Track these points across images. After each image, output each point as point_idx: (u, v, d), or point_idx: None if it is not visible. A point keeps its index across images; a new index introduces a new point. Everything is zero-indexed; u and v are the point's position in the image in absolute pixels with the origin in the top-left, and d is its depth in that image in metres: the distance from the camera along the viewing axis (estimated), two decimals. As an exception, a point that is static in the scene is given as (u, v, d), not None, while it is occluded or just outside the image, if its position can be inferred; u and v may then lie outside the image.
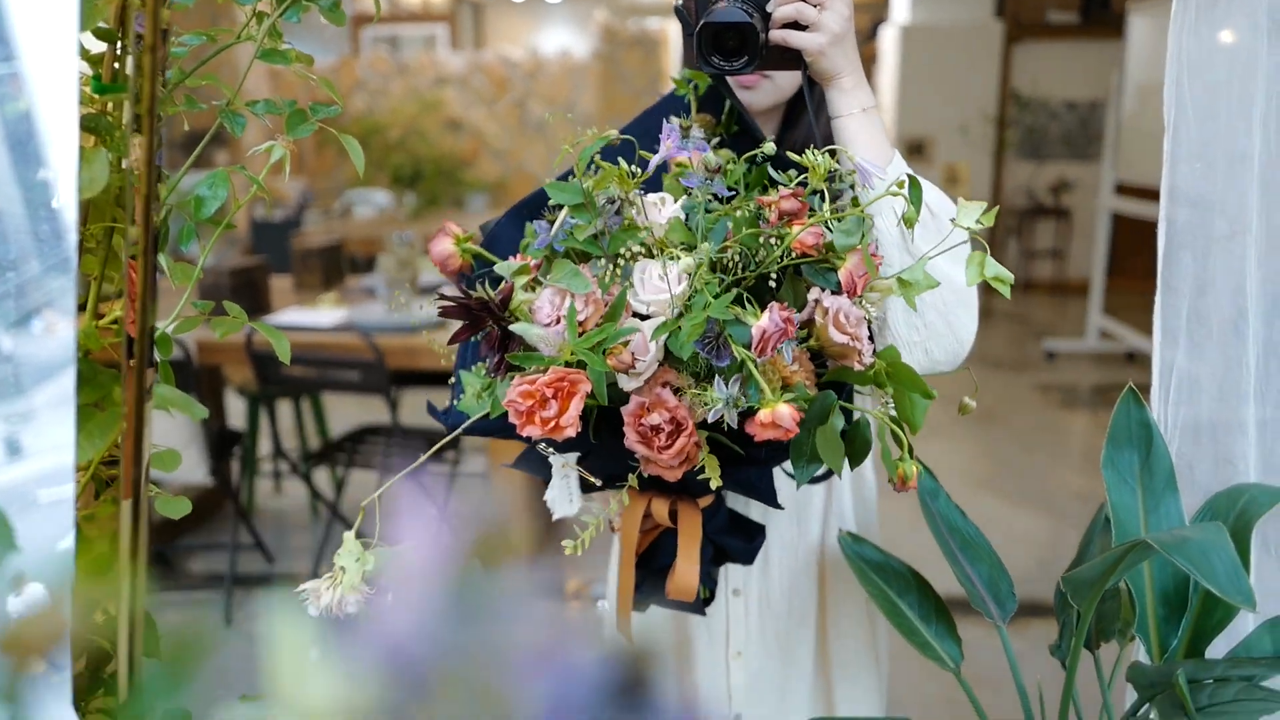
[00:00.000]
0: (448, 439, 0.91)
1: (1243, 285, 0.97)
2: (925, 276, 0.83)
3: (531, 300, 0.83)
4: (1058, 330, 6.29)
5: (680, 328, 0.76)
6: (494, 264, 0.87)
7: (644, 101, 1.04)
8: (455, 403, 0.92)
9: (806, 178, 0.83)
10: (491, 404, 0.85)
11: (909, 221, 0.83)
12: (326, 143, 7.72)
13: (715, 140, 1.00)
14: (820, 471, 1.09)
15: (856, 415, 0.86)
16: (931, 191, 0.96)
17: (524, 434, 0.76)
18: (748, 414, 0.76)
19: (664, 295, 0.79)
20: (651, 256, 0.84)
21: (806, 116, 1.03)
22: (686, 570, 0.95)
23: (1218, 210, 0.96)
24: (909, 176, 0.83)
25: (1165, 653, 0.97)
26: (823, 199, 0.83)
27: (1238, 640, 0.95)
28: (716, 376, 0.77)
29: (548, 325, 0.79)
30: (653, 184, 0.89)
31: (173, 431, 2.54)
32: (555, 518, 0.96)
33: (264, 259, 3.20)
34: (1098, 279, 5.57)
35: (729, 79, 1.00)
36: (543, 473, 1.00)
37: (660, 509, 0.98)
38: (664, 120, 0.91)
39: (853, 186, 0.86)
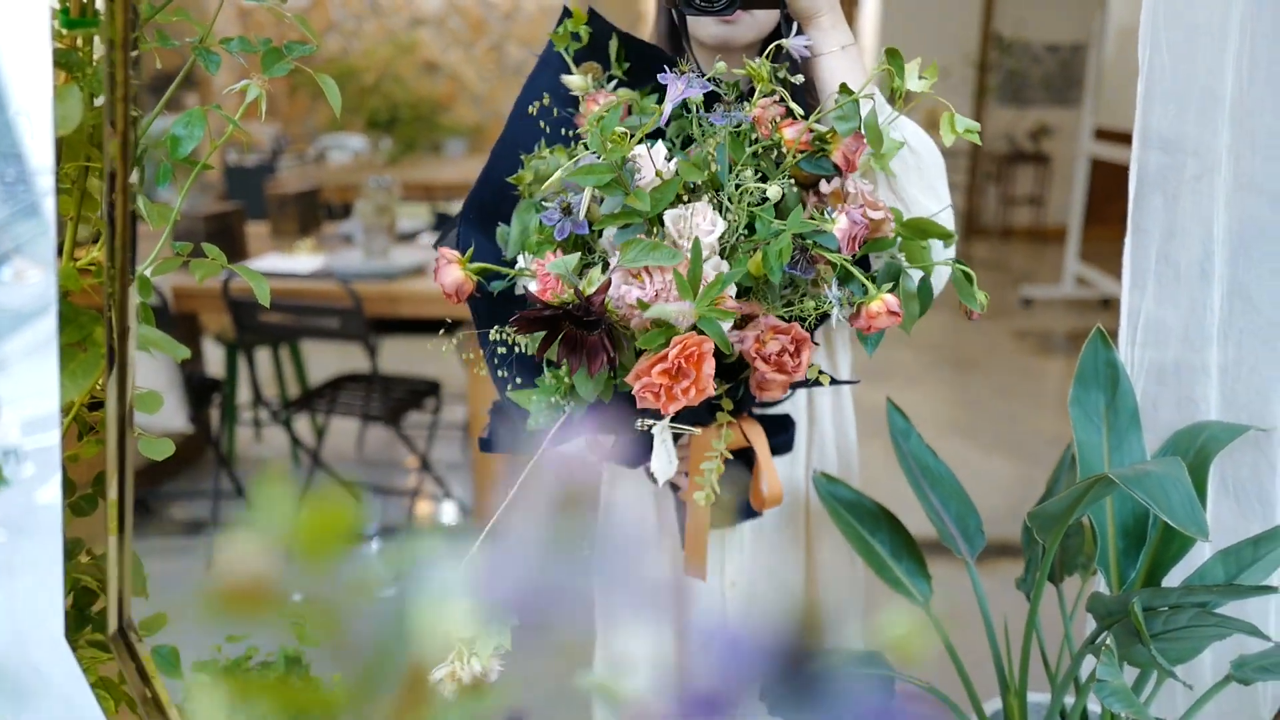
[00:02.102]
0: (537, 455, 0.90)
1: (1210, 228, 0.99)
2: (894, 144, 0.89)
3: (585, 290, 0.83)
4: (1035, 277, 6.34)
5: (766, 255, 0.79)
6: (504, 273, 0.88)
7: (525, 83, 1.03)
8: (518, 424, 0.92)
9: (756, 87, 0.88)
10: (576, 405, 0.87)
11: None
12: (300, 86, 7.56)
13: (612, 84, 1.00)
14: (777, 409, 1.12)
15: (908, 276, 0.91)
16: (910, 127, 0.99)
17: (667, 411, 0.79)
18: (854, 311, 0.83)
19: (713, 235, 0.81)
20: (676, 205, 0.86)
21: (784, 53, 1.05)
22: (775, 479, 1.00)
23: (1189, 152, 0.97)
24: (891, 50, 0.87)
25: (1125, 584, 1.01)
26: (792, 99, 0.88)
27: (1194, 571, 0.99)
28: (821, 283, 0.82)
29: (653, 299, 0.81)
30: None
31: (152, 378, 2.53)
32: (660, 483, 0.97)
33: (240, 205, 3.16)
34: (1075, 225, 5.60)
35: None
36: (646, 453, 1.00)
37: (734, 435, 1.01)
38: (540, 92, 0.94)
39: (798, 71, 0.91)
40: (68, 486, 0.84)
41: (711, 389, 0.79)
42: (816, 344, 0.98)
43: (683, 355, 0.78)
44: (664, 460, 0.99)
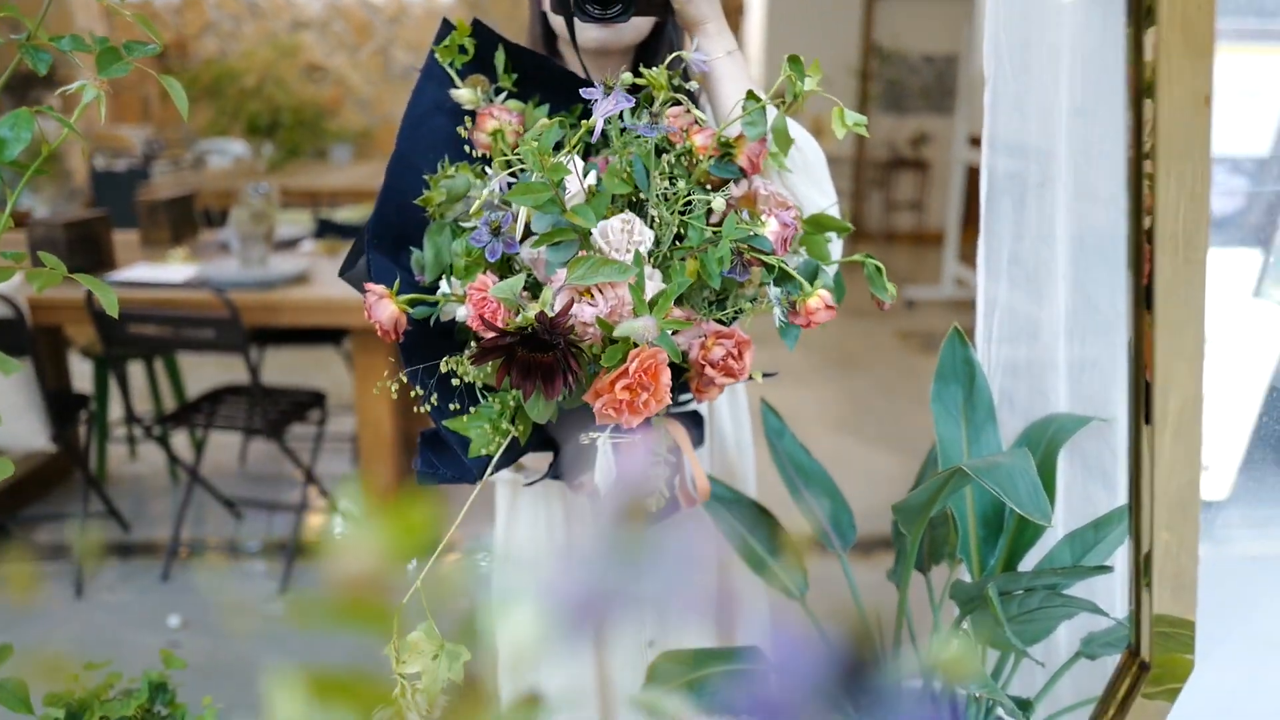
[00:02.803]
0: (482, 483, 0.89)
1: (1054, 230, 1.04)
2: (786, 139, 0.92)
3: (532, 309, 0.81)
4: (917, 278, 6.57)
5: (706, 261, 0.81)
6: (426, 301, 0.87)
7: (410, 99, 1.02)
8: (457, 451, 0.90)
9: (652, 93, 0.91)
10: (523, 428, 0.86)
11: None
12: (175, 88, 7.22)
13: (502, 96, 0.99)
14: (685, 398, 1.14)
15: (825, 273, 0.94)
16: (795, 128, 1.03)
17: (631, 425, 0.79)
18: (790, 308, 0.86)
19: (644, 245, 0.82)
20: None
21: (658, 56, 1.08)
22: (701, 472, 1.02)
23: (1032, 158, 1.03)
24: (792, 57, 0.93)
25: (985, 571, 1.06)
26: (694, 105, 0.92)
27: (1045, 555, 1.04)
28: (770, 285, 0.85)
29: (607, 315, 0.80)
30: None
31: (7, 396, 2.38)
32: (604, 491, 0.96)
33: (105, 212, 3.01)
34: (953, 229, 5.84)
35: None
36: (571, 465, 0.98)
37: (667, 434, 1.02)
38: (426, 106, 0.94)
39: (691, 88, 0.94)
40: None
41: (668, 399, 0.80)
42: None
43: (642, 369, 0.78)
44: (606, 469, 0.99)
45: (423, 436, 0.95)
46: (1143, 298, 0.59)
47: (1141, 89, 0.54)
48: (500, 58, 0.99)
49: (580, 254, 0.82)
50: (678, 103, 0.91)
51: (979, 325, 1.14)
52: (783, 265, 0.85)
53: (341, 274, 0.99)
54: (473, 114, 0.97)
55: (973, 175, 5.95)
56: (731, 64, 1.01)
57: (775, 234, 0.85)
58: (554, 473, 1.01)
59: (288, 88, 7.21)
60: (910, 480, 1.33)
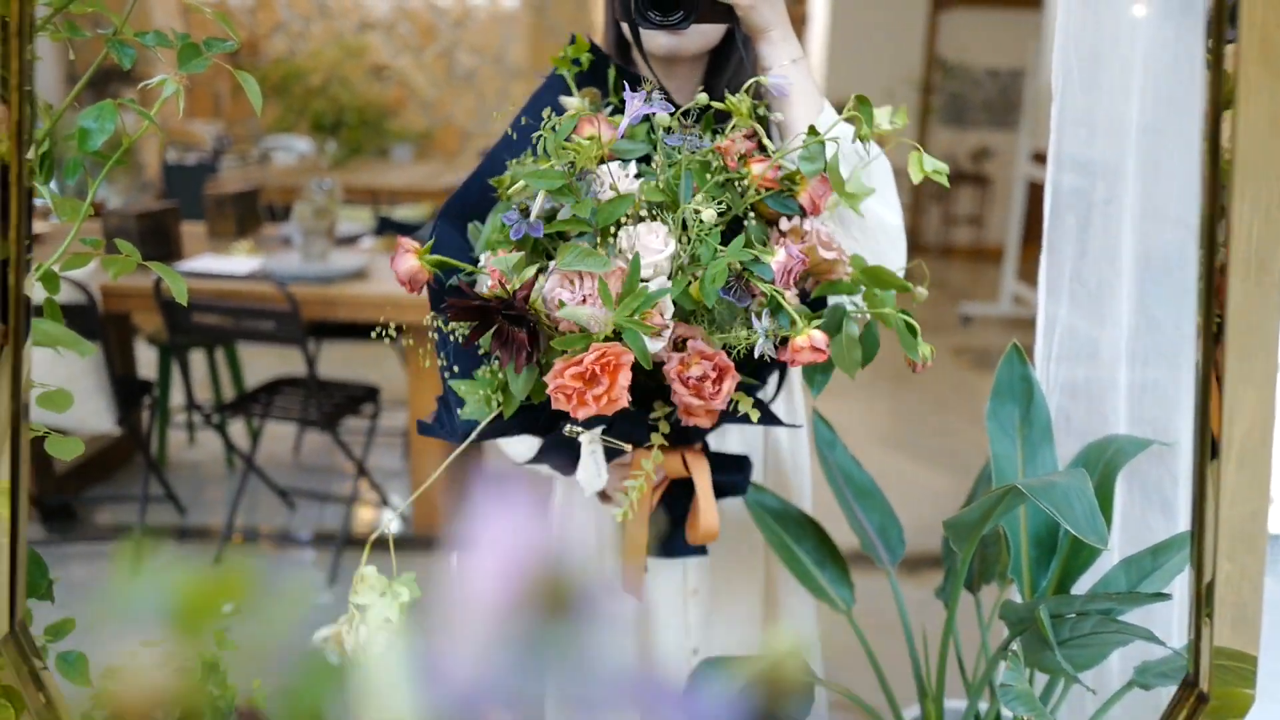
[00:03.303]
0: (463, 446, 0.92)
1: (1118, 249, 1.02)
2: (859, 184, 0.89)
3: (537, 287, 0.83)
4: (974, 294, 6.48)
5: (699, 279, 0.80)
6: (460, 268, 0.88)
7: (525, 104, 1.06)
8: (456, 413, 0.93)
9: (738, 121, 0.89)
10: (506, 401, 0.87)
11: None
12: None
13: (608, 109, 1.02)
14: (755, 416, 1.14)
15: (852, 322, 0.92)
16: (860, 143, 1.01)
17: (579, 416, 0.79)
18: (780, 344, 0.83)
19: (663, 255, 0.82)
20: (637, 222, 0.86)
21: (730, 64, 1.07)
22: (710, 514, 1.00)
23: (1099, 175, 1.01)
24: (860, 97, 0.90)
25: (1036, 592, 1.04)
26: (766, 135, 0.90)
27: (1099, 579, 1.02)
28: (752, 315, 0.82)
29: (578, 305, 0.81)
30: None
31: (78, 379, 2.46)
32: (588, 494, 0.98)
33: (175, 204, 3.10)
34: (1013, 245, 5.74)
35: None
36: (574, 456, 1.00)
37: (674, 462, 1.01)
38: (538, 111, 0.95)
39: (773, 119, 0.92)
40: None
41: (624, 401, 0.79)
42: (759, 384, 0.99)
43: (599, 362, 0.78)
44: (591, 471, 1.00)
45: (440, 396, 1.00)
46: (1212, 322, 0.58)
47: (1219, 106, 0.53)
48: (611, 74, 1.03)
49: (581, 244, 0.84)
50: (755, 129, 0.91)
51: (1038, 343, 1.12)
52: (779, 296, 0.82)
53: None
54: None
55: (1034, 191, 5.84)
56: (796, 73, 0.99)
57: (780, 264, 0.82)
58: (541, 458, 1.01)
59: (353, 87, 7.35)
60: (961, 499, 1.32)
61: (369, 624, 0.67)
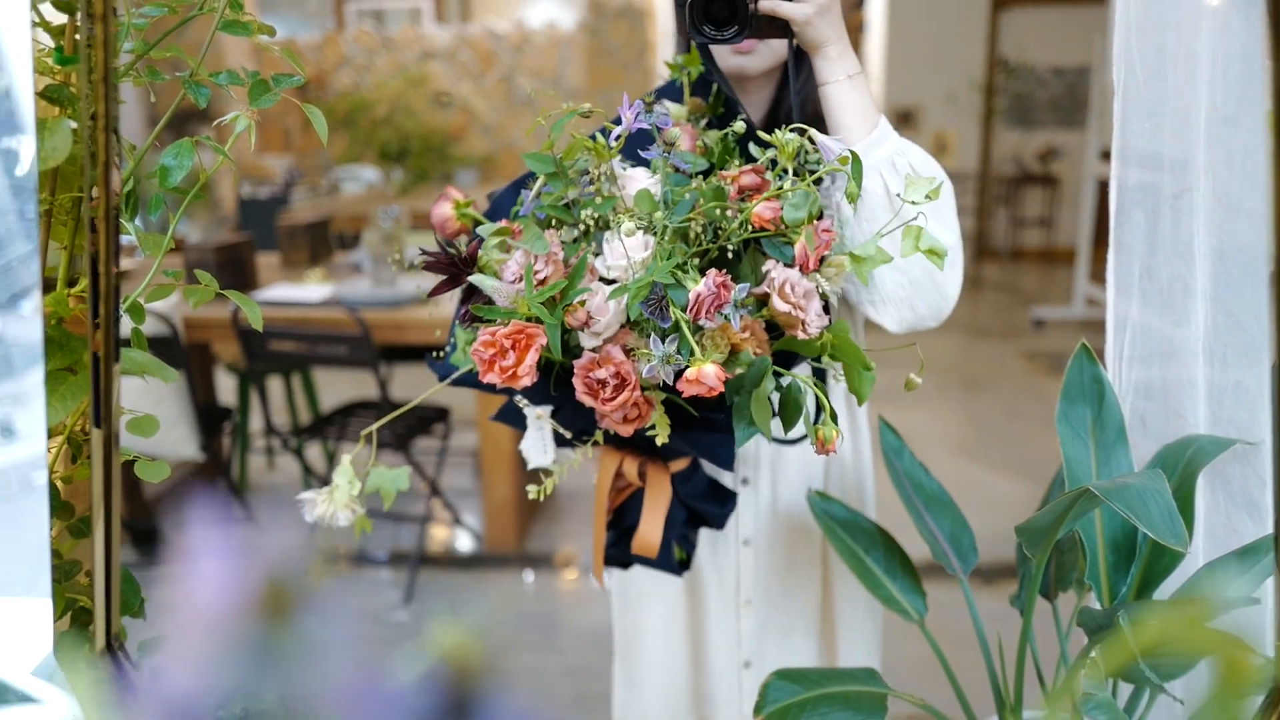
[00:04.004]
0: (436, 389, 0.96)
1: (1191, 244, 0.99)
2: (879, 252, 0.86)
3: (504, 260, 0.86)
4: (1046, 298, 6.33)
5: (629, 289, 0.80)
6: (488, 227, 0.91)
7: (631, 73, 1.09)
8: (448, 356, 0.97)
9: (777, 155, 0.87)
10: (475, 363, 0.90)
11: (851, 197, 0.86)
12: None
13: (704, 122, 1.04)
14: (795, 435, 1.13)
15: (787, 381, 0.88)
16: (918, 155, 1.00)
17: (485, 381, 0.81)
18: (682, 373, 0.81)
19: (624, 261, 0.82)
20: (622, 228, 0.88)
21: (798, 80, 1.07)
22: (649, 528, 0.99)
23: (1167, 169, 0.98)
24: (852, 154, 0.86)
25: (1116, 598, 1.01)
26: (798, 175, 0.87)
27: (1183, 584, 0.98)
28: (652, 335, 0.81)
29: (512, 282, 0.83)
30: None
31: (162, 408, 2.56)
32: (530, 467, 1.02)
33: (250, 236, 3.21)
34: (1084, 246, 5.60)
35: (725, 45, 1.03)
36: (521, 426, 1.05)
37: (631, 468, 1.02)
38: (643, 99, 0.97)
39: (819, 163, 0.89)
40: (66, 509, 0.86)
41: (529, 379, 0.80)
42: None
43: (510, 336, 0.80)
44: (536, 445, 1.03)
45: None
46: (1287, 311, 0.56)
47: (1282, 92, 0.52)
48: (714, 89, 1.06)
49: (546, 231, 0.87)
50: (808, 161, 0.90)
51: (1109, 343, 1.09)
52: (684, 323, 0.81)
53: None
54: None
55: (1105, 190, 5.68)
56: (851, 89, 0.98)
57: (696, 293, 0.79)
58: (559, 421, 1.03)
59: (417, 116, 7.54)
60: (1035, 506, 1.29)
61: (336, 501, 0.80)
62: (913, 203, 0.83)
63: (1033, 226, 7.71)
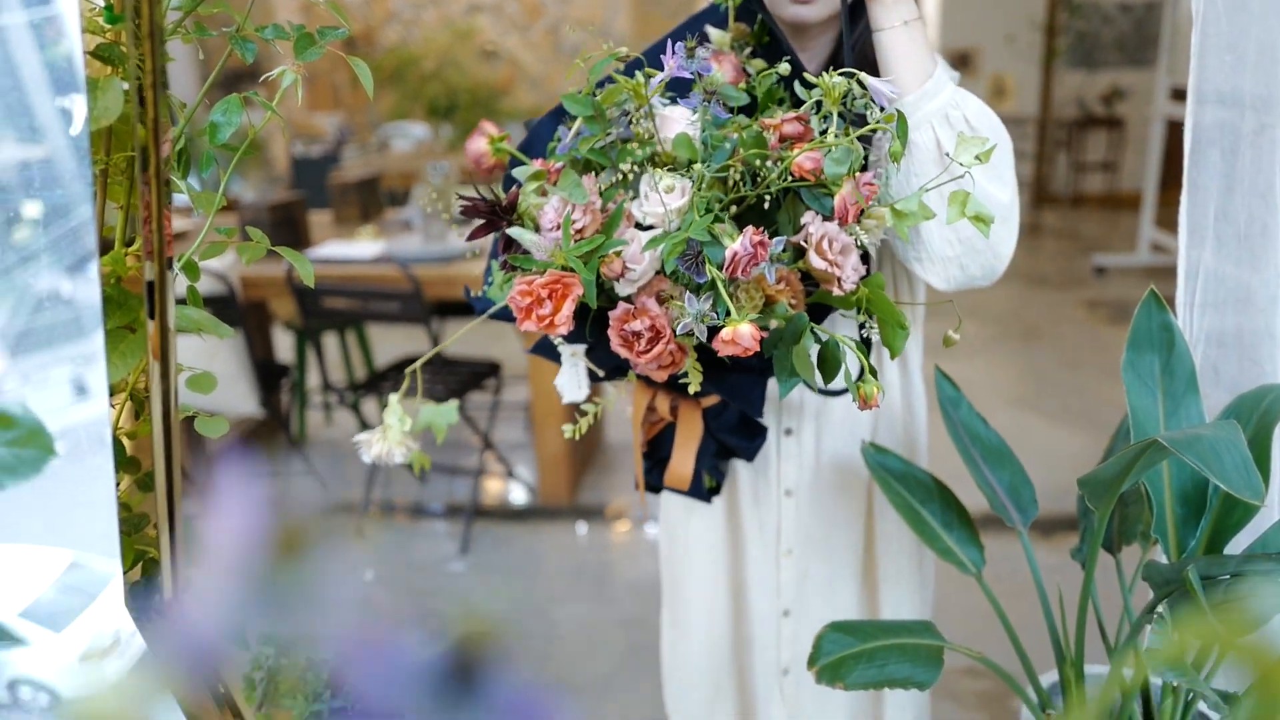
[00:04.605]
0: (475, 322, 0.97)
1: (1272, 184, 0.95)
2: (921, 207, 0.83)
3: (541, 205, 0.85)
4: (1109, 245, 6.14)
5: (664, 244, 0.79)
6: (524, 164, 0.90)
7: (679, 21, 1.05)
8: (485, 290, 0.97)
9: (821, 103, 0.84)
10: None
11: (895, 156, 0.84)
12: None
13: (748, 50, 1.00)
14: (838, 386, 1.11)
15: (826, 337, 0.87)
16: (975, 107, 0.95)
17: (523, 328, 0.82)
18: (718, 329, 0.80)
19: (661, 209, 0.81)
20: (667, 169, 0.86)
21: (856, 29, 1.02)
22: (681, 460, 1.01)
23: (1247, 105, 0.93)
24: (898, 111, 0.83)
25: (1184, 553, 0.98)
26: (843, 121, 0.84)
27: (1257, 538, 0.95)
28: (688, 292, 0.80)
29: (549, 231, 0.82)
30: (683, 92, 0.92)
31: (221, 365, 2.62)
32: (564, 401, 1.03)
33: (303, 194, 3.24)
34: (1151, 190, 5.40)
35: None
36: (557, 359, 1.05)
37: (663, 404, 1.03)
38: (686, 34, 0.93)
39: (867, 107, 0.86)
40: (132, 464, 0.88)
41: (565, 329, 0.80)
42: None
43: (548, 286, 0.80)
44: (570, 382, 1.04)
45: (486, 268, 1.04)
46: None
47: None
48: (759, 17, 1.02)
49: (579, 176, 0.85)
50: (856, 111, 0.87)
51: (1180, 290, 1.05)
52: (720, 282, 0.80)
53: (525, 124, 1.07)
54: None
55: (1174, 132, 5.47)
56: (906, 36, 0.94)
57: (731, 252, 0.78)
58: (593, 360, 1.04)
59: (464, 70, 7.51)
60: (1096, 459, 1.25)
61: (390, 439, 0.82)
62: (961, 164, 0.80)
63: (1095, 171, 7.46)
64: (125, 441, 0.84)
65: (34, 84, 0.61)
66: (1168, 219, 5.57)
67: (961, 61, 7.15)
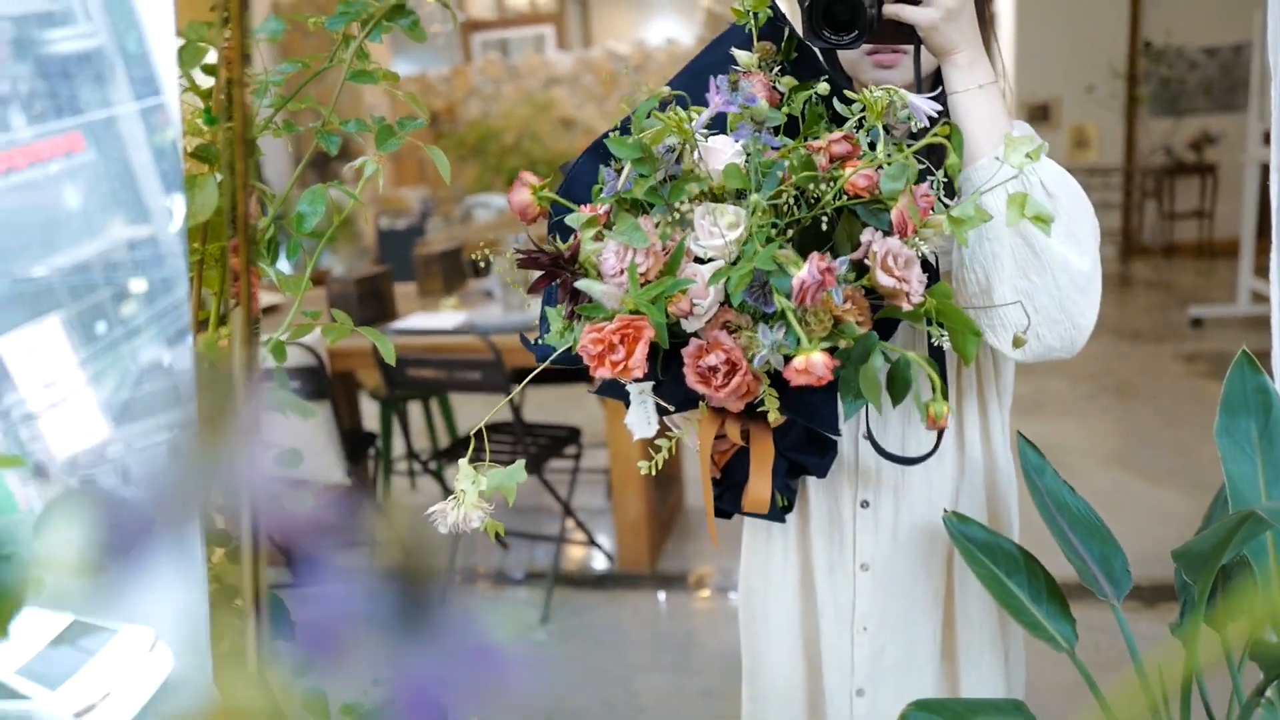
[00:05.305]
0: (536, 371, 0.98)
1: (1369, 236, 0.91)
2: (978, 211, 0.82)
3: (599, 250, 0.86)
4: (1205, 296, 5.91)
5: (730, 276, 0.79)
6: (570, 209, 0.91)
7: (702, 50, 1.07)
8: (542, 338, 0.98)
9: (864, 117, 0.85)
10: (572, 342, 0.91)
11: (953, 170, 0.83)
12: (445, 152, 7.98)
13: (776, 69, 1.00)
14: (919, 453, 1.09)
15: (895, 356, 0.85)
16: (1051, 171, 0.92)
17: (596, 375, 0.83)
18: (791, 358, 0.80)
19: (719, 242, 0.82)
20: (716, 200, 0.87)
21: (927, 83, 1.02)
22: (759, 486, 1.00)
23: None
24: (953, 125, 0.83)
25: (1295, 629, 0.92)
26: (888, 134, 0.85)
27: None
28: (761, 323, 0.80)
29: (613, 276, 0.83)
30: (721, 123, 0.93)
31: (310, 435, 2.70)
32: (635, 438, 1.03)
33: (389, 267, 3.36)
34: (1248, 238, 5.21)
35: (848, 51, 0.99)
36: (622, 397, 1.06)
37: (733, 430, 1.02)
38: (713, 62, 0.95)
39: (909, 120, 0.87)
40: (223, 536, 0.91)
41: (640, 372, 0.80)
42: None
43: (620, 333, 0.81)
44: (639, 419, 1.03)
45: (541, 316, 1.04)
46: None
47: None
48: (785, 33, 1.01)
49: (637, 218, 0.85)
50: (896, 130, 0.87)
51: (1275, 347, 1.01)
52: (789, 311, 0.78)
53: (561, 168, 1.07)
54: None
55: (1269, 176, 5.28)
56: (983, 99, 0.92)
57: (799, 280, 0.77)
58: (660, 395, 1.02)
59: (543, 141, 7.74)
60: (1201, 521, 1.20)
61: (465, 504, 0.85)
62: (1016, 165, 0.80)
63: (1187, 219, 7.23)
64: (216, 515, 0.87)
65: (142, 168, 0.66)
66: (1268, 266, 5.34)
67: (1040, 113, 7.06)
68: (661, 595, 2.84)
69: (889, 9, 0.93)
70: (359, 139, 0.89)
